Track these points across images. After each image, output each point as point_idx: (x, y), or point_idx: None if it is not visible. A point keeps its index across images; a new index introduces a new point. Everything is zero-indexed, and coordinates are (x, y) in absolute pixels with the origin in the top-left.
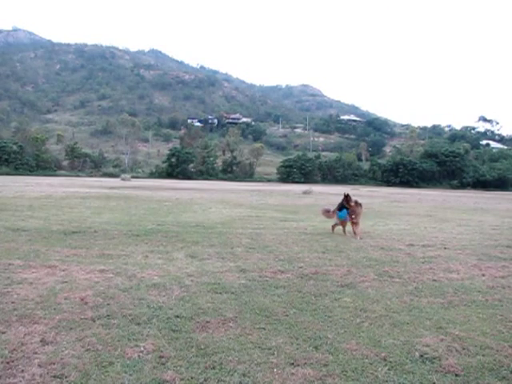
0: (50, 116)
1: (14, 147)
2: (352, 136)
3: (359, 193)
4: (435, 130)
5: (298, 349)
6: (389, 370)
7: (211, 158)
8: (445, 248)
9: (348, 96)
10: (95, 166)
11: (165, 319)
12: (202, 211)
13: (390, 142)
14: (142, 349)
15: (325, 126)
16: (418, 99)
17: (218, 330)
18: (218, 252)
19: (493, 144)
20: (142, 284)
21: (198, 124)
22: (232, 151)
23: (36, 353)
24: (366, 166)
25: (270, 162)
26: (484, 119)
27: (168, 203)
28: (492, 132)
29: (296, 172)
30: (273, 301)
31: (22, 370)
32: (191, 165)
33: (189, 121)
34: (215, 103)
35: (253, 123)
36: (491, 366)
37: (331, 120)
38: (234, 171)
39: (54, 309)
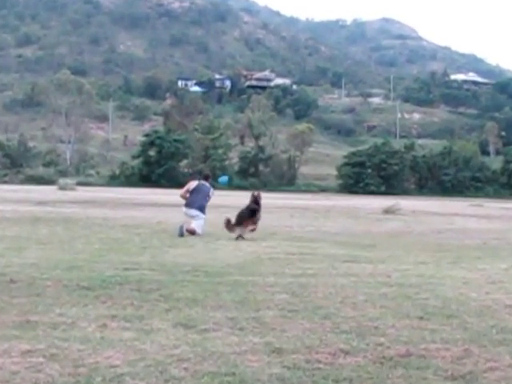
0: None
1: None
2: (471, 110)
3: (484, 211)
4: None
5: None
6: None
7: (220, 150)
8: None
9: (463, 40)
10: (12, 163)
11: None
12: (205, 245)
13: None
14: None
15: (423, 92)
16: None
17: None
18: (233, 318)
19: None
20: (97, 377)
21: (197, 89)
22: (257, 137)
23: None
24: (496, 163)
25: (326, 156)
26: None
27: (143, 231)
28: None
29: (371, 174)
30: None
31: None
32: (184, 162)
33: (180, 83)
34: (227, 52)
35: (294, 87)
36: None
37: (434, 82)
38: (260, 173)
39: None
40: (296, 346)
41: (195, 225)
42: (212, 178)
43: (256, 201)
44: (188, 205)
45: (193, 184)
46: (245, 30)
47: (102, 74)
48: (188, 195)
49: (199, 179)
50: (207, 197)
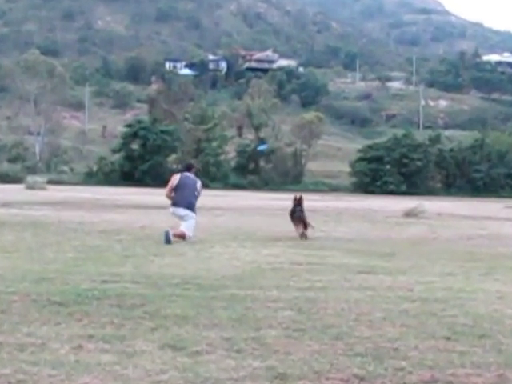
0: None
1: None
2: (506, 97)
3: None
4: None
5: None
6: None
7: (214, 143)
8: None
9: (497, 16)
10: None
11: None
12: (196, 253)
13: None
14: None
15: (450, 75)
16: None
17: None
18: (229, 338)
19: None
20: None
21: (188, 72)
22: (257, 128)
23: None
24: None
25: (337, 150)
26: None
27: (124, 237)
28: None
29: (390, 171)
30: None
31: None
32: (172, 156)
33: (167, 65)
34: (222, 29)
35: (300, 70)
36: None
37: (463, 64)
38: (261, 170)
39: None
40: (303, 370)
41: (184, 226)
42: (201, 171)
43: (300, 204)
44: (175, 204)
45: (175, 179)
46: (243, 2)
47: (77, 54)
48: (173, 194)
49: (182, 172)
50: (195, 191)
